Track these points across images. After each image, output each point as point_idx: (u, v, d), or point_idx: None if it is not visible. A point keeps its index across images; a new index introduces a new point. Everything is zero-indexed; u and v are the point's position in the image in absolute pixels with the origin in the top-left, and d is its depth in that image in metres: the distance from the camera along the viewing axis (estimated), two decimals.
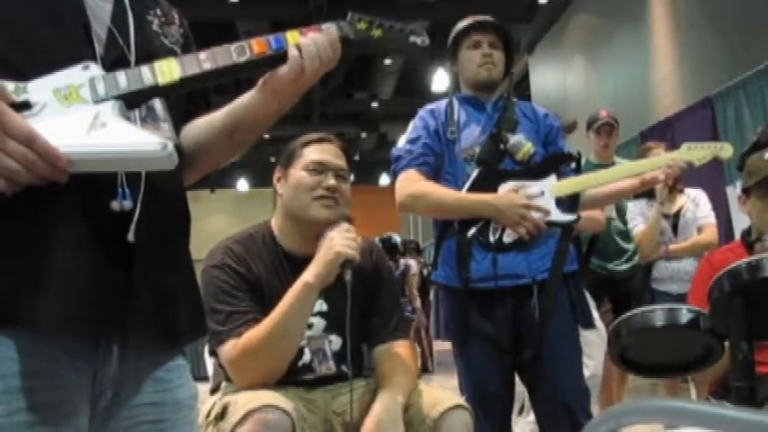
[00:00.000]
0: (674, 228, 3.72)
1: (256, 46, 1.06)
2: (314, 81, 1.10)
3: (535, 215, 2.14)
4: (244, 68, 1.06)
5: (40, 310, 0.92)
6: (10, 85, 0.91)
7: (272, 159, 13.29)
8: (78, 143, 0.90)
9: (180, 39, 1.18)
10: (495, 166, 2.25)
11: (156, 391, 1.08)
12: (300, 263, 1.79)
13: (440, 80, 11.40)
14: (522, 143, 2.24)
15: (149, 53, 1.06)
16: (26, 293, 0.91)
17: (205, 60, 1.02)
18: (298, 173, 1.88)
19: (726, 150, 2.23)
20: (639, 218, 3.76)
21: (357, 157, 17.37)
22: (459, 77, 2.45)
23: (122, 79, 0.97)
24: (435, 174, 2.29)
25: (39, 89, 0.93)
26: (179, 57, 1.03)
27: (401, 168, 2.31)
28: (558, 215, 2.19)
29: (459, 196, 2.22)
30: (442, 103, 2.41)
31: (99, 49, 1.03)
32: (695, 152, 2.22)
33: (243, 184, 18.59)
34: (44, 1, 1.01)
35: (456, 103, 2.39)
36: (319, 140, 1.93)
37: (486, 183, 2.22)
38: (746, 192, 2.15)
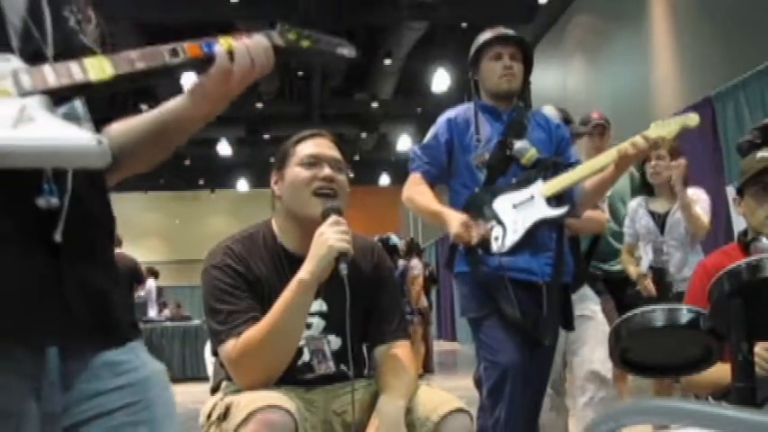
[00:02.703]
0: (662, 227, 3.66)
1: (189, 49, 1.07)
2: (245, 86, 1.12)
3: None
4: (176, 70, 1.06)
5: None
6: None
7: (272, 159, 13.25)
8: (5, 136, 0.87)
9: (98, 38, 1.14)
10: (503, 171, 2.48)
11: (117, 374, 1.05)
12: (301, 262, 1.78)
13: (440, 80, 11.38)
14: (527, 148, 2.43)
15: (68, 49, 1.03)
16: None
17: (138, 60, 1.02)
18: (293, 170, 1.87)
19: (692, 119, 2.34)
20: (630, 220, 3.74)
21: (357, 157, 17.33)
22: (480, 86, 2.66)
23: (50, 73, 0.95)
24: (436, 181, 2.57)
25: None
26: (110, 55, 1.01)
27: (412, 170, 2.59)
28: (549, 212, 2.42)
29: (426, 204, 2.50)
30: (462, 112, 2.61)
31: (15, 41, 0.99)
32: (665, 127, 2.34)
33: (243, 184, 18.56)
34: None
35: (478, 112, 2.58)
36: (311, 136, 1.94)
37: (480, 200, 2.46)
38: (740, 193, 2.17)
